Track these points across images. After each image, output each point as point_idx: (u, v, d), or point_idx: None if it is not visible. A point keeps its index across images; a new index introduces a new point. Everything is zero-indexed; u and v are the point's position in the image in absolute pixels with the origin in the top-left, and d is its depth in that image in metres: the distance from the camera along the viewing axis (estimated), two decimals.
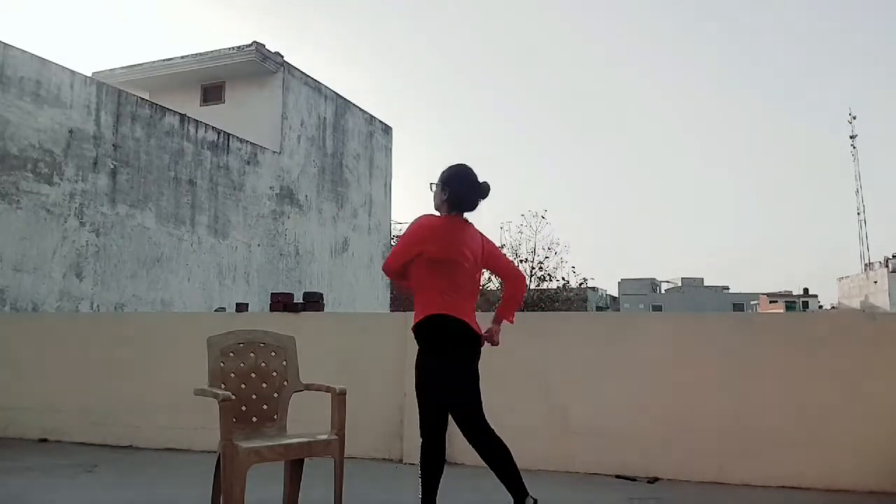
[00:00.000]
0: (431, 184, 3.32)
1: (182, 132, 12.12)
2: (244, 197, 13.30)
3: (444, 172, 3.32)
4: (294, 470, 3.40)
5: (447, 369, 3.08)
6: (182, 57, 14.57)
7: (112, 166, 10.77)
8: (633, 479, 4.53)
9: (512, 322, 3.36)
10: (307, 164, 15.11)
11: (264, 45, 14.15)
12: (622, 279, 75.72)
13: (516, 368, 4.90)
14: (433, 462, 3.10)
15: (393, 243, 18.65)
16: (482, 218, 3.33)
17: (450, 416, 3.15)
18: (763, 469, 4.41)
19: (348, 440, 3.32)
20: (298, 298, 6.33)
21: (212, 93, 14.91)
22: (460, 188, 3.26)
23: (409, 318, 5.32)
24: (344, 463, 3.27)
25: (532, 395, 4.95)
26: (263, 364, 3.50)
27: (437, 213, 3.31)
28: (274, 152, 14.14)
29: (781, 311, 40.34)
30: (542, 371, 4.99)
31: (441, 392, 3.09)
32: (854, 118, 58.95)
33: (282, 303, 6.00)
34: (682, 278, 75.40)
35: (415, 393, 3.15)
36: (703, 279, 74.65)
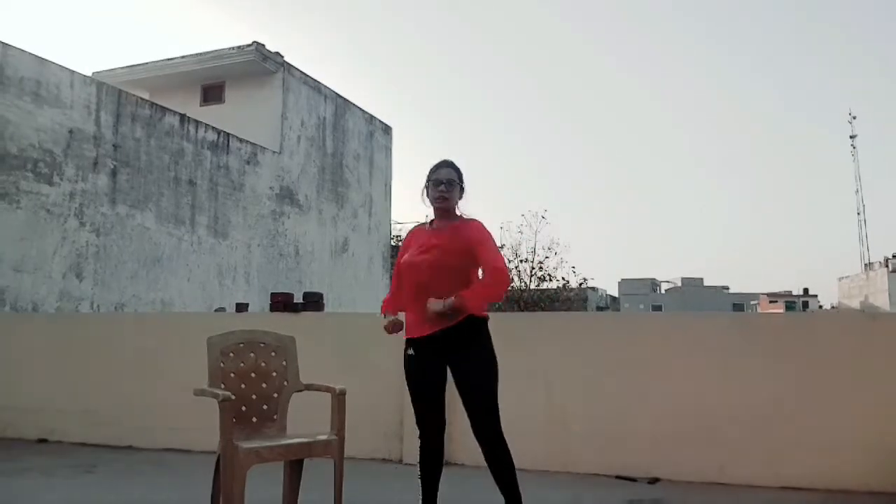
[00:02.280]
0: (452, 182, 3.12)
1: (182, 132, 12.12)
2: (244, 197, 13.30)
3: (460, 171, 3.20)
4: (294, 470, 3.39)
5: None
6: (182, 57, 14.58)
7: (112, 166, 10.76)
8: (633, 480, 4.53)
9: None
10: (307, 164, 15.11)
11: (264, 45, 14.16)
12: (622, 279, 75.60)
13: (516, 368, 4.88)
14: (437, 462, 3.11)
15: (393, 244, 18.64)
16: (485, 218, 3.28)
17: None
18: (763, 469, 4.41)
19: (348, 440, 3.31)
20: (298, 298, 6.34)
21: (212, 93, 14.92)
22: None
23: None
24: (344, 463, 3.27)
25: (532, 395, 4.95)
26: (263, 364, 3.50)
27: (457, 212, 3.19)
28: (274, 152, 14.14)
29: (781, 311, 40.32)
30: (542, 371, 4.99)
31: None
32: (854, 118, 58.90)
33: (282, 303, 6.00)
34: (682, 278, 75.27)
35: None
36: (703, 279, 74.49)
